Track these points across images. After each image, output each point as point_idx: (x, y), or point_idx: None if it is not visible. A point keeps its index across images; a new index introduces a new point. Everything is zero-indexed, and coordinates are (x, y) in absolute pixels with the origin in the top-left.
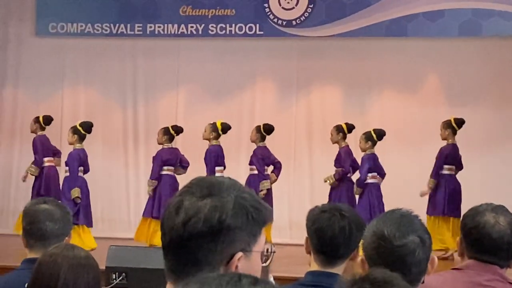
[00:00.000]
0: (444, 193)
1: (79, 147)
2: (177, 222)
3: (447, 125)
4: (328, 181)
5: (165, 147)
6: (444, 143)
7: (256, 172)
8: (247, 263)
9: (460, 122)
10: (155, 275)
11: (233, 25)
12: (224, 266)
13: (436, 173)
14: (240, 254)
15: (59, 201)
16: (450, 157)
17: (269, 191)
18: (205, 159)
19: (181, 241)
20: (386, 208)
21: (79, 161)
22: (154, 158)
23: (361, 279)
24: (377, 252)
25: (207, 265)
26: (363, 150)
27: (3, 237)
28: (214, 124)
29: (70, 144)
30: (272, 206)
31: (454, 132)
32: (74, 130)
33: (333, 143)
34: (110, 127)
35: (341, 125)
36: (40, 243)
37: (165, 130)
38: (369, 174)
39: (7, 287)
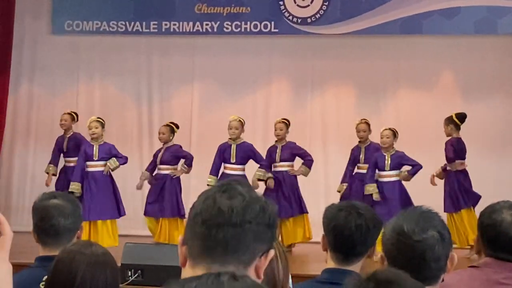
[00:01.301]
0: (459, 188)
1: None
2: (237, 204)
3: (448, 120)
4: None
5: (170, 144)
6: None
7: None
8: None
9: (462, 117)
10: (171, 272)
11: (248, 22)
12: (259, 258)
13: (446, 165)
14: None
15: (70, 195)
16: (458, 150)
17: (297, 185)
18: (254, 156)
19: (241, 221)
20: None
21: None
22: (185, 155)
23: (366, 279)
24: (396, 248)
25: (250, 252)
26: (391, 146)
27: (18, 234)
28: (242, 120)
29: (99, 137)
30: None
31: (458, 127)
32: (102, 123)
33: (364, 140)
34: (125, 125)
35: (368, 122)
36: (53, 239)
37: (171, 129)
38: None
39: (22, 284)
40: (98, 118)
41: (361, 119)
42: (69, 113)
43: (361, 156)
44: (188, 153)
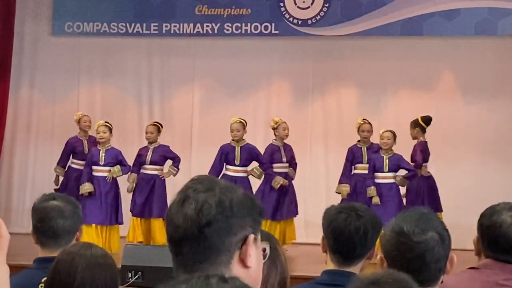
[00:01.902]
0: (422, 191)
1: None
2: (189, 212)
3: (414, 124)
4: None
5: (157, 144)
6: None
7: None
8: (256, 249)
9: (427, 120)
10: (171, 273)
11: (249, 24)
12: (239, 250)
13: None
14: (252, 236)
15: (69, 197)
16: (424, 154)
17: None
18: (258, 158)
19: (198, 229)
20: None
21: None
22: (174, 156)
23: (370, 282)
24: (396, 249)
25: (224, 250)
26: (390, 148)
27: (18, 236)
28: (243, 121)
29: (106, 142)
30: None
31: (423, 130)
32: (110, 128)
33: (367, 140)
34: (126, 126)
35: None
36: (52, 240)
37: (158, 128)
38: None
39: (20, 286)
40: (106, 122)
41: (363, 119)
42: (87, 115)
43: (363, 157)
44: (176, 154)
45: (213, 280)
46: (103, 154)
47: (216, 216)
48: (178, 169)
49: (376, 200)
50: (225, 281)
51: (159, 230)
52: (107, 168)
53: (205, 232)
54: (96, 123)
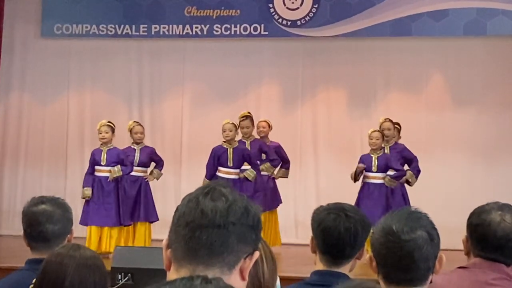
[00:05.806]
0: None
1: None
2: (219, 205)
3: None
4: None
5: (143, 145)
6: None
7: None
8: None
9: None
10: (161, 275)
11: (238, 25)
12: (243, 260)
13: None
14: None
15: (59, 199)
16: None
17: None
18: (250, 159)
19: (224, 223)
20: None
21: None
22: (159, 159)
23: None
24: (385, 247)
25: (235, 253)
26: (379, 148)
27: (9, 238)
28: (235, 123)
29: (108, 142)
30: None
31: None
32: (112, 128)
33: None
34: (116, 128)
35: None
36: (42, 244)
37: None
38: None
39: (11, 287)
40: (108, 122)
41: (386, 119)
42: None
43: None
44: (161, 157)
45: (196, 281)
46: (105, 154)
47: (242, 220)
48: (162, 173)
49: (360, 165)
50: (209, 281)
51: (144, 234)
52: (108, 168)
53: (229, 229)
54: (99, 122)
